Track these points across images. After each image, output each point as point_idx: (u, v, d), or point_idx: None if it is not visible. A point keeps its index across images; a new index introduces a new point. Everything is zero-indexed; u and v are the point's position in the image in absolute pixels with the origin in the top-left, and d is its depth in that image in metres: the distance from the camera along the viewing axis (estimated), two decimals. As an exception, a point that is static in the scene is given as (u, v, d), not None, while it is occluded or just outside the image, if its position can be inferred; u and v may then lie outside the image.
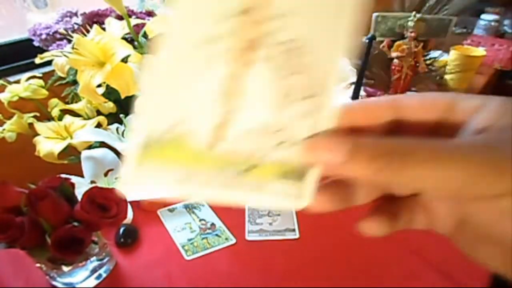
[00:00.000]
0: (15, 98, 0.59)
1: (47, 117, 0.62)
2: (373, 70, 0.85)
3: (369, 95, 0.85)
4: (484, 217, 0.17)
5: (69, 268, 0.44)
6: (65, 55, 0.56)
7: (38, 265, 0.44)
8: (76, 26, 0.66)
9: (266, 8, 0.16)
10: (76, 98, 0.63)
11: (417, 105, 0.19)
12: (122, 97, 0.52)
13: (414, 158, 0.15)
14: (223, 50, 0.16)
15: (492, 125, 0.16)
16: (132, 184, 0.16)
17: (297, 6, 0.16)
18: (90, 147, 0.57)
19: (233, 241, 0.55)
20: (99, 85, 0.52)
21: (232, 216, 0.58)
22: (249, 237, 0.55)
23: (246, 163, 0.17)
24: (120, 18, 0.60)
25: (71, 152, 0.57)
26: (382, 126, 0.19)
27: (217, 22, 0.16)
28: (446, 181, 0.15)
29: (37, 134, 0.58)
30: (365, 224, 0.19)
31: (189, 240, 0.54)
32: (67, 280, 0.46)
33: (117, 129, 0.59)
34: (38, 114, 0.62)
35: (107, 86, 0.55)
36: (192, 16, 0.16)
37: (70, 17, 0.67)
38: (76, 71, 0.53)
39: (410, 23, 0.77)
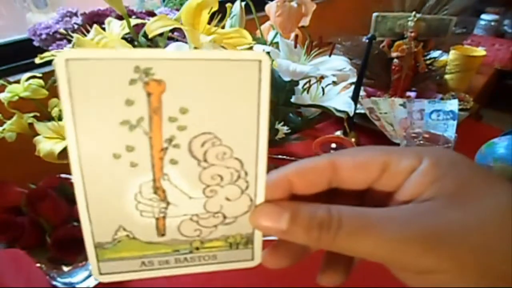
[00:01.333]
0: (15, 98, 0.59)
1: (47, 117, 0.62)
2: (373, 70, 0.85)
3: (369, 95, 0.85)
4: (415, 285, 0.17)
5: (69, 268, 0.44)
6: (65, 55, 0.56)
7: (38, 265, 0.44)
8: (76, 26, 0.66)
9: (168, 108, 0.15)
10: (76, 98, 0.63)
11: (352, 168, 0.19)
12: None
13: (342, 231, 0.16)
14: (140, 155, 0.16)
15: (419, 195, 0.17)
16: (101, 274, 0.17)
17: (197, 100, 0.16)
18: (90, 147, 0.57)
19: (233, 241, 0.54)
20: (99, 85, 0.52)
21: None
22: (249, 237, 0.55)
23: (194, 243, 0.18)
24: (120, 18, 0.60)
25: (71, 152, 0.57)
26: (320, 192, 0.19)
27: (127, 131, 0.15)
28: (372, 254, 0.16)
29: (37, 134, 0.58)
30: (323, 278, 0.20)
31: (189, 240, 0.54)
32: (67, 280, 0.46)
33: (117, 129, 0.59)
34: (38, 114, 0.62)
35: (107, 86, 0.55)
36: (99, 129, 0.15)
37: (70, 17, 0.67)
38: (76, 71, 0.53)
39: (410, 23, 0.77)
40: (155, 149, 0.16)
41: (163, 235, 0.17)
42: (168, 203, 0.17)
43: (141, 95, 0.15)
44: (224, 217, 0.18)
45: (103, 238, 0.17)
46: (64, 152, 0.56)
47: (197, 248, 0.18)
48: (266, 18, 0.68)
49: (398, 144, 0.70)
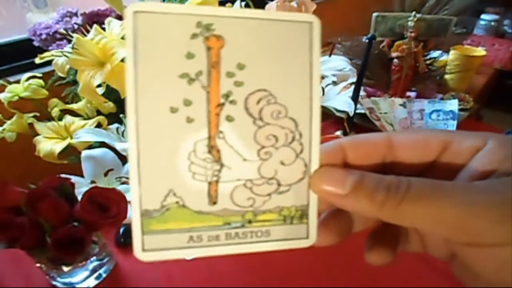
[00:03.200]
0: (15, 98, 0.59)
1: (47, 117, 0.62)
2: (373, 70, 0.85)
3: (369, 95, 0.85)
4: (479, 264, 0.16)
5: (69, 268, 0.44)
6: (65, 55, 0.56)
7: (38, 265, 0.44)
8: (76, 26, 0.66)
9: (226, 63, 0.16)
10: (76, 98, 0.63)
11: (410, 145, 0.18)
12: (122, 97, 0.52)
13: (410, 193, 0.15)
14: (197, 110, 0.16)
15: (492, 170, 0.16)
16: (144, 251, 0.16)
17: (254, 57, 0.16)
18: (90, 147, 0.57)
19: (233, 241, 0.54)
20: (99, 85, 0.52)
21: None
22: (249, 237, 0.55)
23: (247, 215, 0.17)
24: (120, 18, 0.60)
25: (71, 152, 0.57)
26: (374, 165, 0.19)
27: (186, 84, 0.15)
28: (439, 221, 0.15)
29: (37, 134, 0.58)
30: (370, 256, 0.19)
31: (189, 240, 0.54)
32: (67, 280, 0.46)
33: (117, 129, 0.59)
34: (38, 114, 0.62)
35: (107, 86, 0.55)
36: (158, 81, 0.15)
37: (70, 17, 0.67)
38: (76, 71, 0.53)
39: (410, 23, 0.77)
40: (212, 104, 0.16)
41: (214, 203, 0.16)
42: (222, 165, 0.16)
43: (201, 49, 0.15)
44: (279, 184, 0.17)
45: (151, 205, 0.16)
46: (64, 152, 0.56)
47: (250, 222, 0.17)
48: (266, 18, 0.68)
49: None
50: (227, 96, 0.16)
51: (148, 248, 0.16)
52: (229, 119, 0.16)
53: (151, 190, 0.16)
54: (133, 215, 0.16)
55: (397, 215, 0.15)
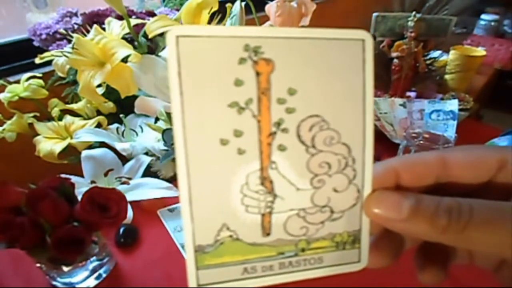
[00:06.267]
0: (15, 98, 0.59)
1: (47, 117, 0.62)
2: (373, 70, 0.85)
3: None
4: None
5: (69, 268, 0.44)
6: (65, 55, 0.56)
7: (38, 265, 0.44)
8: (76, 26, 0.66)
9: (276, 89, 0.15)
10: (76, 98, 0.63)
11: (464, 165, 0.18)
12: (122, 97, 0.52)
13: (474, 218, 0.14)
14: (248, 141, 0.15)
15: None
16: (199, 286, 0.16)
17: (305, 80, 0.15)
18: (90, 147, 0.57)
19: (233, 241, 0.54)
20: (99, 85, 0.52)
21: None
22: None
23: (300, 244, 0.17)
24: (120, 18, 0.60)
25: (71, 152, 0.57)
26: (427, 186, 0.18)
27: (235, 113, 0.14)
28: (504, 247, 0.14)
29: (37, 134, 0.58)
30: (424, 276, 0.19)
31: (189, 240, 0.54)
32: (67, 280, 0.46)
33: (117, 129, 0.59)
34: (38, 114, 0.62)
35: (107, 86, 0.55)
36: (207, 111, 0.14)
37: (70, 17, 0.67)
38: (76, 71, 0.53)
39: (410, 23, 0.77)
40: (263, 134, 0.15)
41: (268, 234, 0.16)
42: (275, 196, 0.16)
43: (250, 75, 0.14)
44: (332, 211, 0.16)
45: (205, 240, 0.15)
46: (64, 152, 0.56)
47: (303, 250, 0.17)
48: (266, 18, 0.68)
49: (398, 144, 0.70)
50: (278, 124, 0.15)
51: (203, 283, 0.16)
52: (281, 148, 0.15)
53: (204, 226, 0.15)
54: (187, 251, 0.15)
55: (462, 239, 0.15)
